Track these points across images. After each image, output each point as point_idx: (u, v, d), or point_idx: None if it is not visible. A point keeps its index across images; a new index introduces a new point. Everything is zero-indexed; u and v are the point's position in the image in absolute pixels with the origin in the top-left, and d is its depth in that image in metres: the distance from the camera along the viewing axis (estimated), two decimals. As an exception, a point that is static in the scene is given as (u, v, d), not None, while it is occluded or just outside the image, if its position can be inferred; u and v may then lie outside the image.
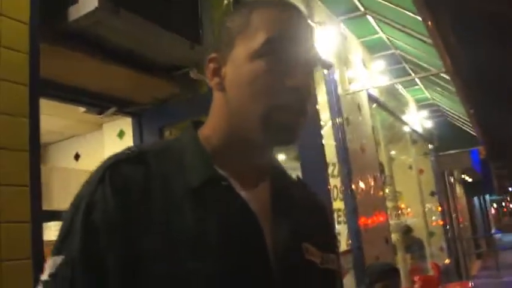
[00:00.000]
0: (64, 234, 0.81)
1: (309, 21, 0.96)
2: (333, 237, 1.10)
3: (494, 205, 40.22)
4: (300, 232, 0.94)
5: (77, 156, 5.11)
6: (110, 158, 0.86)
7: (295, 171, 3.33)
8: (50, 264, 0.80)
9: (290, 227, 0.92)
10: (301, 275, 0.91)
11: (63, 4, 2.49)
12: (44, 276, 0.80)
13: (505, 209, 45.85)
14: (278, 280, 0.85)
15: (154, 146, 0.92)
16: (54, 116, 4.28)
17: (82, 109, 3.30)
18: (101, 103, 2.91)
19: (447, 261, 11.06)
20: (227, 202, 0.86)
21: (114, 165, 0.84)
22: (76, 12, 2.46)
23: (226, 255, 0.82)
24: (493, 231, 27.61)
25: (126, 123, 3.95)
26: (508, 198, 44.74)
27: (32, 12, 2.19)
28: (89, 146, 5.05)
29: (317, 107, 3.09)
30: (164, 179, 0.84)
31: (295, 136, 0.89)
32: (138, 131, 3.32)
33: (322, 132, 5.31)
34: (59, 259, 0.79)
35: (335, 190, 5.47)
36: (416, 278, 7.97)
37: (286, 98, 0.85)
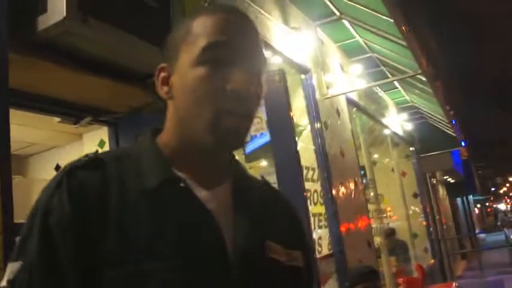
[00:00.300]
0: (22, 240, 0.82)
1: (254, 25, 0.97)
2: (302, 235, 1.10)
3: (478, 205, 40.61)
4: (263, 230, 0.95)
5: (57, 168, 5.05)
6: (67, 165, 0.88)
7: (269, 175, 3.34)
8: (8, 271, 0.80)
9: (252, 226, 0.93)
10: (263, 273, 0.91)
11: (32, 13, 2.48)
12: (3, 283, 0.80)
13: (488, 209, 46.30)
14: (237, 278, 0.85)
15: (113, 152, 0.96)
16: (32, 128, 4.25)
17: (57, 119, 3.28)
18: (75, 112, 2.89)
19: (431, 262, 11.13)
20: (184, 202, 0.87)
21: (70, 171, 0.85)
22: (45, 21, 2.45)
23: (183, 255, 0.82)
24: (477, 231, 27.85)
25: (106, 133, 3.93)
26: (491, 198, 45.24)
27: (-1, 22, 2.18)
28: (70, 156, 4.93)
29: (291, 112, 3.09)
30: (121, 183, 0.85)
31: (242, 140, 0.92)
32: (115, 140, 3.31)
33: (303, 136, 5.35)
34: (16, 265, 0.80)
35: (315, 195, 5.49)
36: (400, 280, 8.00)
37: (228, 102, 0.87)
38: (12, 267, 0.80)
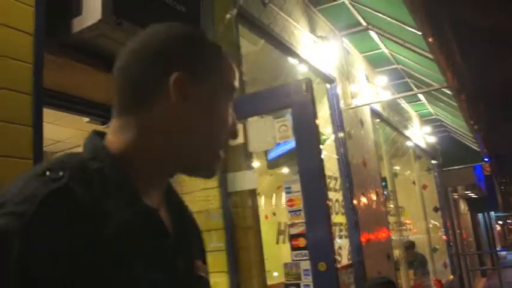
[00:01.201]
0: None
1: None
2: (203, 245, 1.10)
3: (500, 222, 39.95)
4: (191, 248, 0.98)
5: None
6: (37, 188, 0.73)
7: (293, 184, 3.35)
8: None
9: (188, 249, 0.96)
10: None
11: (67, 16, 2.54)
12: None
13: (510, 226, 45.53)
14: None
15: (72, 166, 0.80)
16: (60, 126, 4.33)
17: (86, 119, 3.34)
18: (104, 113, 2.94)
19: (451, 277, 10.98)
20: (155, 232, 0.86)
21: (49, 197, 0.73)
22: (79, 24, 2.51)
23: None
24: (498, 248, 27.39)
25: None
26: (514, 216, 44.53)
27: (36, 24, 2.23)
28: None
29: (316, 121, 3.11)
30: (91, 210, 0.76)
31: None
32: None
33: (326, 145, 5.36)
34: None
35: (337, 204, 5.48)
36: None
37: (228, 139, 0.96)
38: None
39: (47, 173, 0.76)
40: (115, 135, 0.89)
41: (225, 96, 0.93)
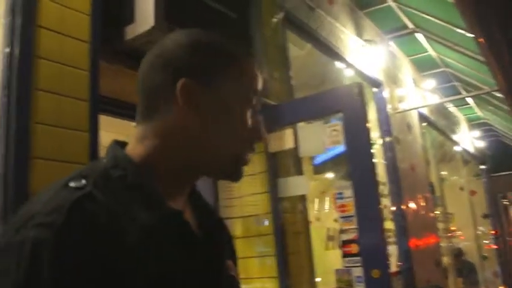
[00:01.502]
0: (21, 282, 0.68)
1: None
2: (234, 249, 1.09)
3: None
4: (221, 251, 0.96)
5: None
6: (64, 198, 0.74)
7: (345, 189, 3.31)
8: None
9: (216, 250, 0.94)
10: None
11: (121, 23, 2.58)
12: None
13: None
14: None
15: (95, 174, 0.81)
16: (108, 132, 4.41)
17: (133, 124, 3.39)
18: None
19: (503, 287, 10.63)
20: (182, 236, 0.85)
21: (76, 205, 0.73)
22: (132, 31, 2.55)
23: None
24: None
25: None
26: None
27: (92, 32, 2.27)
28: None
29: (368, 125, 3.06)
30: (117, 216, 0.76)
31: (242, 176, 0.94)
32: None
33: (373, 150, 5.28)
34: None
35: (384, 210, 5.39)
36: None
37: (251, 146, 0.93)
38: None
39: (70, 183, 0.77)
40: (135, 143, 0.89)
41: (243, 101, 0.90)
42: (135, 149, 0.88)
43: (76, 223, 0.71)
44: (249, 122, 0.90)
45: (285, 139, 3.40)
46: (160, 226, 0.80)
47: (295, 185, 3.44)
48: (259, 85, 0.94)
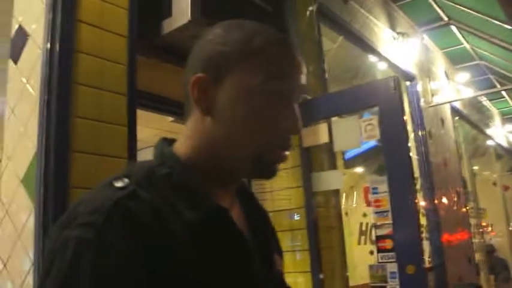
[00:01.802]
0: (60, 283, 0.69)
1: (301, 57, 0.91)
2: (278, 241, 1.06)
3: None
4: (269, 246, 0.95)
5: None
6: (105, 198, 0.75)
7: (380, 184, 3.27)
8: None
9: (265, 245, 0.93)
10: (279, 286, 0.96)
11: (158, 18, 2.59)
12: None
13: None
14: None
15: (140, 173, 0.82)
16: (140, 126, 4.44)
17: (170, 119, 3.40)
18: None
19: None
20: (227, 233, 0.84)
21: (117, 204, 0.74)
22: (169, 25, 2.55)
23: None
24: None
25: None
26: None
27: (130, 26, 2.29)
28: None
29: (405, 118, 3.02)
30: (161, 214, 0.77)
31: (277, 171, 0.88)
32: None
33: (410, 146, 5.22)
34: None
35: (420, 205, 5.33)
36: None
37: (280, 138, 0.85)
38: None
39: (114, 182, 0.78)
40: (181, 141, 0.89)
41: (267, 96, 0.83)
42: (181, 147, 0.88)
43: (117, 222, 0.71)
44: (278, 116, 0.84)
45: (319, 134, 3.37)
46: (205, 224, 0.79)
47: (329, 180, 3.41)
48: (296, 76, 0.87)
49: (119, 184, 0.77)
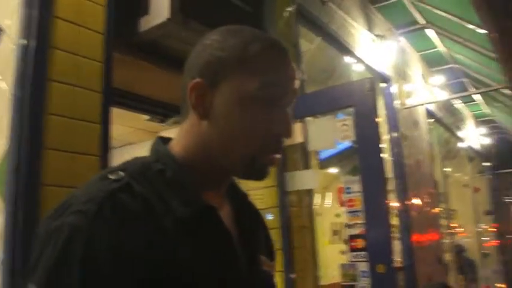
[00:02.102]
0: (52, 265, 0.72)
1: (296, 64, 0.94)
2: (271, 244, 1.09)
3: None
4: (257, 246, 0.97)
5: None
6: (100, 189, 0.79)
7: (353, 184, 3.31)
8: None
9: (253, 246, 0.95)
10: (262, 286, 0.96)
11: (135, 15, 2.57)
12: None
13: None
14: None
15: (134, 168, 0.86)
16: (116, 124, 4.40)
17: (145, 117, 3.38)
18: (165, 112, 2.98)
19: (502, 285, 10.65)
20: (215, 231, 0.86)
21: (111, 195, 0.77)
22: (147, 23, 2.54)
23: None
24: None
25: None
26: None
27: (107, 23, 2.27)
28: (140, 153, 5.11)
29: (378, 120, 3.06)
30: (152, 208, 0.80)
31: (268, 173, 0.91)
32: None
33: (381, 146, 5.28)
34: None
35: (392, 206, 5.40)
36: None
37: (272, 143, 0.88)
38: None
39: (109, 175, 0.81)
40: (177, 140, 0.93)
41: (258, 100, 0.85)
42: (176, 146, 0.91)
43: (109, 213, 0.74)
44: (272, 121, 0.86)
45: (294, 133, 3.40)
46: (194, 220, 0.82)
47: (303, 179, 3.44)
48: (290, 81, 0.90)
49: (113, 177, 0.81)
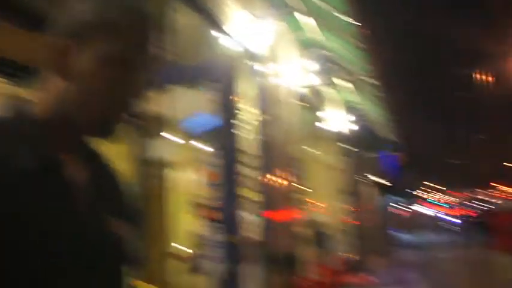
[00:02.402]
0: None
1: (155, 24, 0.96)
2: (125, 205, 1.06)
3: (403, 207, 42.17)
4: (107, 206, 0.97)
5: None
6: None
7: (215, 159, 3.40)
8: None
9: (100, 205, 0.95)
10: (111, 249, 0.95)
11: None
12: None
13: (411, 211, 48.33)
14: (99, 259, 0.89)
15: None
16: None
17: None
18: (19, 73, 2.82)
19: (353, 256, 11.53)
20: (63, 185, 0.88)
21: None
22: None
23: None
24: (398, 231, 28.91)
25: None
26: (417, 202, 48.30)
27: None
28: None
29: (237, 98, 3.17)
30: (7, 159, 0.82)
31: (114, 132, 0.94)
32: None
33: (248, 124, 5.43)
34: None
35: (252, 181, 5.57)
36: (322, 271, 8.27)
37: (123, 102, 0.92)
38: None
39: None
40: (35, 99, 0.93)
41: (119, 59, 0.89)
42: (35, 106, 0.91)
43: None
44: (125, 83, 0.89)
45: (158, 103, 3.37)
46: (45, 174, 0.84)
47: (158, 148, 3.44)
48: (147, 47, 0.92)
49: None
